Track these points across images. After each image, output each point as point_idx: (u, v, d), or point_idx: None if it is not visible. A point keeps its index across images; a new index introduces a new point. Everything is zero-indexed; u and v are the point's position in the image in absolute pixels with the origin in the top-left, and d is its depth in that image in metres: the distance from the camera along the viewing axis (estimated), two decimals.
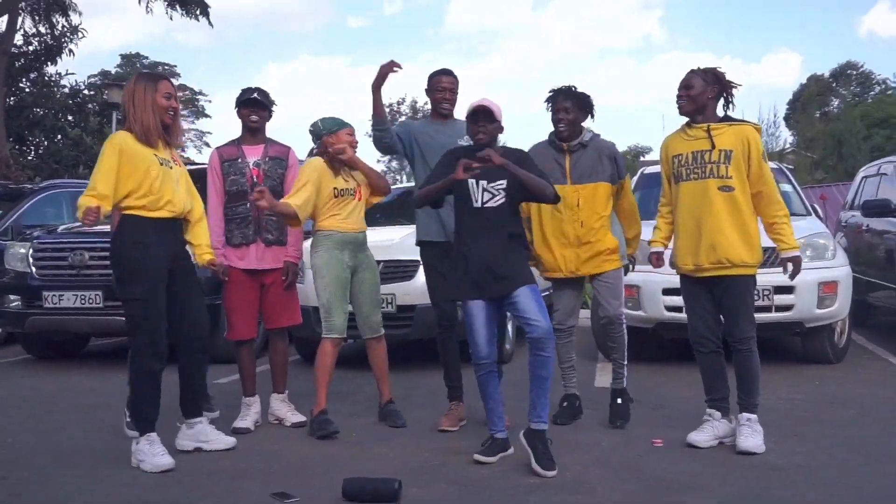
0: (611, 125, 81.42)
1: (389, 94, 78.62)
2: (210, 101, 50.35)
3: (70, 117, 18.91)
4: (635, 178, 8.51)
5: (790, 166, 33.38)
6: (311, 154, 4.91)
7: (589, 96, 4.77)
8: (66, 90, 19.25)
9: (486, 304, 4.14)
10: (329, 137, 4.75)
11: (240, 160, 4.88)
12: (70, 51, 18.05)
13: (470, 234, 4.14)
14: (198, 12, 16.53)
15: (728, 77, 4.28)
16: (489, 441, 4.19)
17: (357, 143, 4.85)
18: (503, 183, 4.12)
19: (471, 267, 4.11)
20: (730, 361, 4.34)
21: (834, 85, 54.54)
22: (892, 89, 55.19)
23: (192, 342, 4.25)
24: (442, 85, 4.95)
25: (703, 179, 4.20)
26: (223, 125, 74.94)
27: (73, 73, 20.12)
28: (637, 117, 76.85)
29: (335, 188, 4.72)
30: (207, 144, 51.38)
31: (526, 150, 4.54)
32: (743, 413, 4.25)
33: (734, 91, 4.28)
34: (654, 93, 77.69)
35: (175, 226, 4.23)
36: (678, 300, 6.04)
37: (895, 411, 5.02)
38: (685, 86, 4.25)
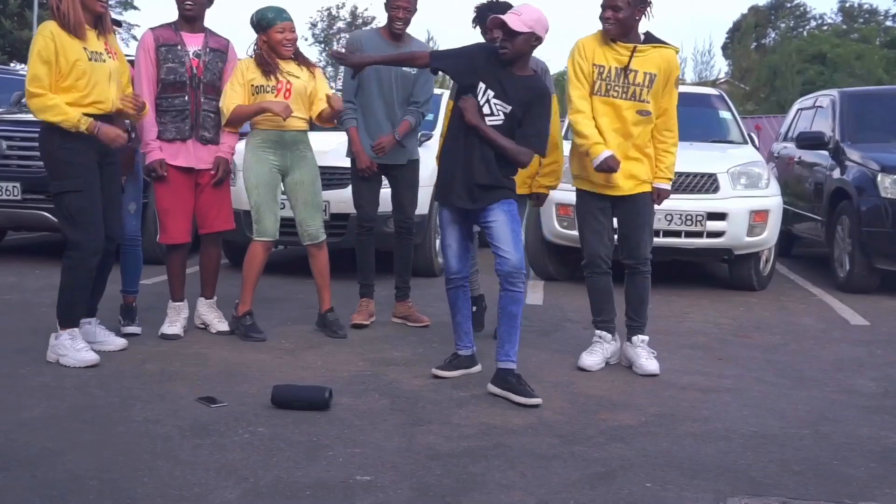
0: (552, 47, 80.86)
1: (328, 0, 76.25)
2: None
3: None
4: None
5: (722, 94, 33.72)
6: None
7: (511, 5, 4.34)
8: None
9: (460, 219, 3.99)
10: (262, 35, 4.56)
11: (179, 47, 4.49)
12: None
13: (463, 140, 3.87)
14: None
15: None
16: (452, 357, 4.14)
17: (292, 39, 4.60)
18: (509, 107, 3.83)
19: (455, 172, 3.91)
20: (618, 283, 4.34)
21: (772, 17, 54.98)
22: (827, 25, 55.98)
23: (106, 244, 4.08)
24: (397, 2, 4.83)
25: (624, 100, 4.08)
26: (153, 18, 71.87)
27: None
28: (566, 38, 75.94)
29: (252, 84, 4.51)
30: (135, 38, 49.20)
31: None
32: (638, 335, 4.29)
33: (650, 9, 4.12)
34: (588, 14, 76.82)
35: (104, 121, 3.99)
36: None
37: (817, 338, 5.18)
38: (612, 6, 4.03)
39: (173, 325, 4.69)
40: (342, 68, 4.92)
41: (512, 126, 3.88)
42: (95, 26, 4.02)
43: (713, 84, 32.43)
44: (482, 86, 3.87)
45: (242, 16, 4.86)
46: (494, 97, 3.85)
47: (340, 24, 51.23)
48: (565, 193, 6.49)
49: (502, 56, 3.82)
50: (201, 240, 4.84)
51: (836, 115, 7.69)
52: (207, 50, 4.55)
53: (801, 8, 56.50)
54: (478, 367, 4.15)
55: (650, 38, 4.16)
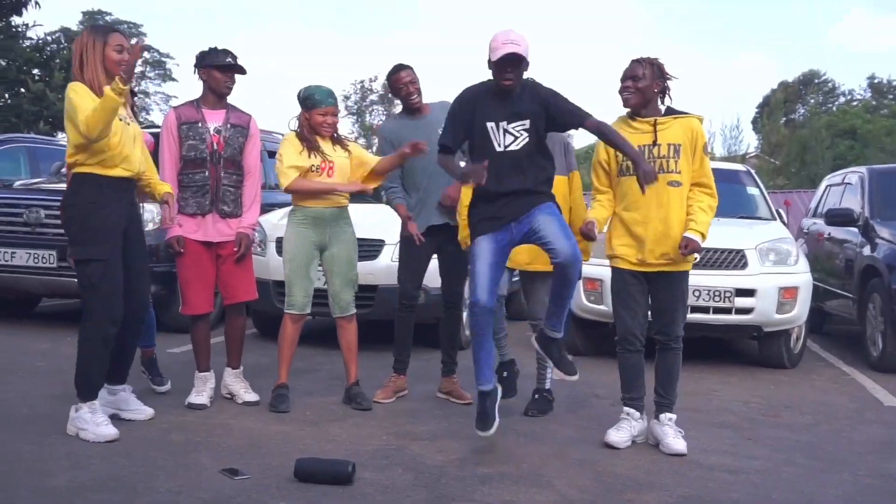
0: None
1: (362, 74, 77.63)
2: (178, 65, 49.39)
3: (35, 71, 18.41)
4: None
5: (752, 169, 33.54)
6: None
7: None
8: (32, 42, 18.74)
9: (494, 248, 3.95)
10: (304, 112, 4.70)
11: (200, 124, 4.60)
12: (37, 2, 17.54)
13: (493, 178, 3.88)
14: None
15: (667, 69, 4.19)
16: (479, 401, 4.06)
17: (332, 123, 4.74)
18: (526, 123, 3.91)
19: (490, 205, 3.96)
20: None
21: (803, 92, 55.28)
22: (856, 101, 56.14)
23: (135, 311, 4.12)
24: (402, 81, 4.95)
25: None
26: (190, 89, 73.83)
27: (40, 25, 19.61)
28: (601, 105, 76.98)
29: (297, 165, 4.65)
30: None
31: None
32: (666, 413, 4.25)
33: (670, 83, 4.19)
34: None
35: (129, 186, 4.08)
36: None
37: (850, 418, 5.07)
38: (632, 77, 4.11)
39: (200, 394, 4.71)
40: (376, 141, 5.04)
41: (540, 133, 3.96)
42: None
43: (742, 159, 32.55)
44: (490, 125, 3.94)
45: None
46: (508, 124, 3.93)
47: (373, 97, 52.30)
48: (593, 268, 6.54)
49: (508, 87, 3.89)
50: (225, 310, 4.91)
51: (864, 192, 7.68)
52: (228, 126, 4.65)
53: (830, 84, 56.78)
54: (499, 393, 4.11)
55: (671, 111, 4.22)
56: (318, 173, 4.66)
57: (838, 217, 7.73)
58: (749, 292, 6.24)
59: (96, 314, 3.95)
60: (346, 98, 52.66)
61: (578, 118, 3.95)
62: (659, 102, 4.21)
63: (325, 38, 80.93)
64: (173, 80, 50.34)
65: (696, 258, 4.26)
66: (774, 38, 78.98)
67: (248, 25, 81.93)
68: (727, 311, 6.26)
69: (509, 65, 3.86)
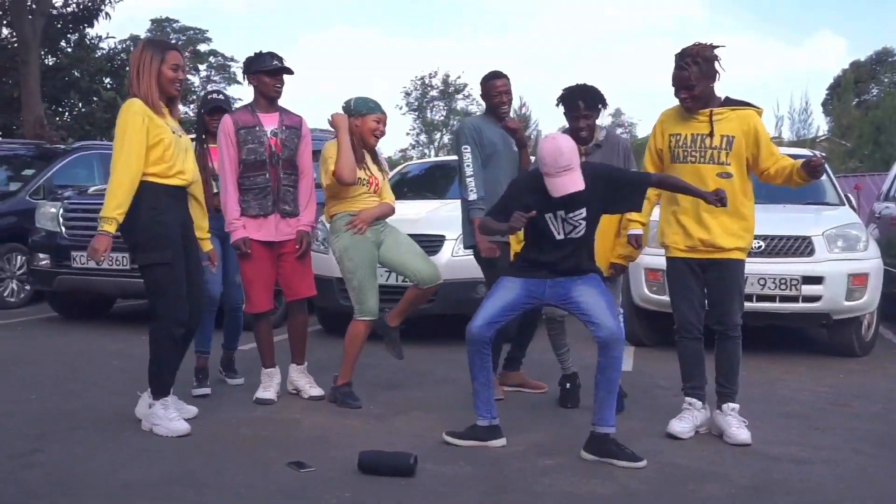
0: (644, 108, 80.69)
1: (422, 68, 77.84)
2: (241, 68, 50.36)
3: (107, 80, 19.00)
4: None
5: (823, 154, 32.84)
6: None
7: (600, 92, 4.62)
8: (104, 52, 19.32)
9: (520, 293, 3.97)
10: (355, 120, 4.71)
11: (257, 128, 4.69)
12: (107, 14, 18.09)
13: (550, 264, 3.96)
14: None
15: (712, 46, 4.11)
16: (470, 427, 4.07)
17: (383, 132, 4.79)
18: (583, 212, 3.91)
19: (538, 254, 4.02)
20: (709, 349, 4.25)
21: (875, 71, 53.53)
22: None
23: (189, 317, 4.18)
24: (497, 89, 5.00)
25: (701, 164, 4.10)
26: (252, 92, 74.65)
27: (112, 37, 20.19)
28: (670, 98, 75.79)
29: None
30: None
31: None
32: (728, 403, 4.19)
33: (720, 61, 4.10)
34: None
35: (184, 195, 4.22)
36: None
37: None
38: (685, 86, 4.06)
39: (267, 390, 4.83)
40: (466, 150, 4.92)
41: (597, 216, 4.00)
42: (167, 107, 4.18)
43: (812, 142, 31.69)
44: (549, 216, 3.92)
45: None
46: (566, 213, 3.92)
47: (433, 93, 52.42)
48: (654, 258, 6.49)
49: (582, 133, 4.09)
50: (287, 307, 5.01)
51: None
52: (283, 128, 4.73)
53: None
54: (499, 442, 4.02)
55: (729, 101, 4.17)
56: (368, 187, 4.74)
57: None
58: (817, 279, 6.11)
59: (164, 317, 4.08)
60: (408, 94, 52.89)
61: (641, 186, 4.00)
62: (715, 91, 4.16)
63: (387, 40, 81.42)
64: (237, 82, 51.15)
65: (751, 246, 4.21)
66: (846, 16, 76.70)
67: (311, 28, 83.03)
68: (794, 299, 6.14)
69: (584, 120, 4.23)
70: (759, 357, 6.12)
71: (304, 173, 4.84)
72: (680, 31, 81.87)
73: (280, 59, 4.77)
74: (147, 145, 3.98)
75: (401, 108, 53.39)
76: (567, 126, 4.68)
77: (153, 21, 48.99)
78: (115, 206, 3.95)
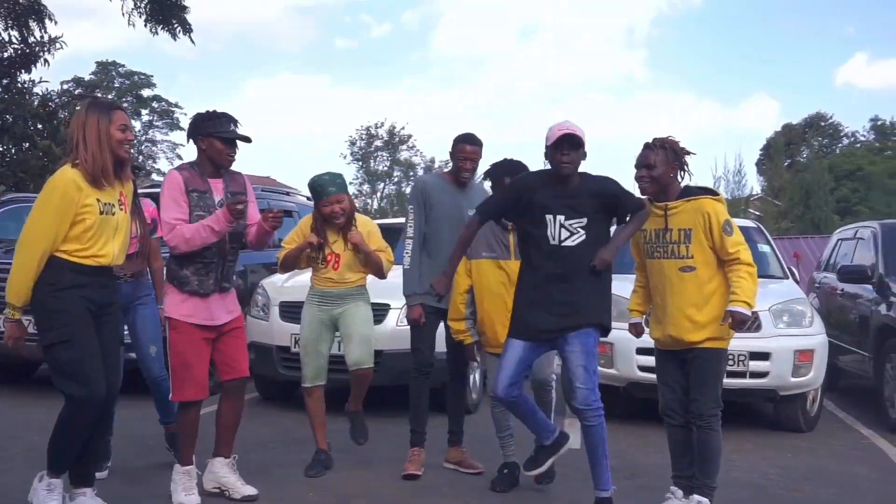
0: (589, 159, 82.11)
1: (367, 119, 78.23)
2: (185, 114, 49.84)
3: (40, 125, 18.47)
4: (612, 229, 8.42)
5: (759, 213, 33.49)
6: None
7: (524, 166, 4.62)
8: (38, 96, 18.84)
9: (529, 347, 4.04)
10: (321, 202, 4.66)
11: (208, 195, 4.17)
12: (45, 61, 17.65)
13: (544, 275, 3.96)
14: (179, 31, 16.20)
15: (682, 146, 4.12)
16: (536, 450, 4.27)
17: (343, 209, 4.65)
18: (583, 221, 3.93)
19: (535, 313, 3.98)
20: None
21: (806, 135, 55.48)
22: (860, 142, 56.36)
23: (106, 397, 3.77)
24: (465, 153, 4.92)
25: (664, 259, 4.09)
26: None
27: (46, 82, 19.64)
28: (612, 153, 77.61)
29: (308, 254, 4.73)
30: (180, 157, 51.01)
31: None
32: (695, 496, 4.07)
33: (688, 161, 4.13)
34: (633, 129, 78.47)
35: (102, 273, 3.76)
36: (651, 360, 5.92)
37: (872, 491, 4.91)
38: (646, 165, 4.05)
39: (190, 494, 4.18)
40: (411, 210, 4.98)
41: (598, 230, 3.98)
42: (116, 173, 3.76)
43: (747, 201, 32.49)
44: (549, 217, 3.93)
45: None
46: (566, 219, 3.92)
47: (378, 143, 52.57)
48: None
49: (565, 170, 3.93)
50: (223, 389, 4.41)
51: (878, 248, 7.56)
52: (228, 195, 4.21)
53: (834, 125, 56.99)
54: (575, 444, 4.26)
55: (687, 192, 4.12)
56: (325, 266, 4.74)
57: (852, 274, 7.62)
58: (764, 355, 6.09)
59: (72, 398, 3.66)
60: (353, 144, 52.96)
61: (632, 203, 4.06)
62: (677, 183, 4.12)
63: (333, 90, 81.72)
64: (181, 128, 50.75)
65: (731, 332, 4.07)
66: (780, 80, 79.67)
67: (256, 74, 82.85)
68: (742, 374, 6.11)
69: (567, 145, 3.90)
70: None
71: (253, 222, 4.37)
72: (621, 87, 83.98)
73: (236, 123, 4.26)
74: (67, 222, 3.62)
75: (345, 157, 53.41)
76: None
77: (98, 64, 48.42)
78: (14, 292, 3.62)
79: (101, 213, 3.69)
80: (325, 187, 4.62)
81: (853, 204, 44.50)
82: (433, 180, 5.17)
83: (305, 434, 5.48)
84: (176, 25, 15.88)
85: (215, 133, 4.17)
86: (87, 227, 3.64)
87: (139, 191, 4.60)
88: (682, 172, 4.10)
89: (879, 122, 56.64)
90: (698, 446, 4.11)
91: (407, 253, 4.91)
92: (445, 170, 5.38)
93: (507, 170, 4.58)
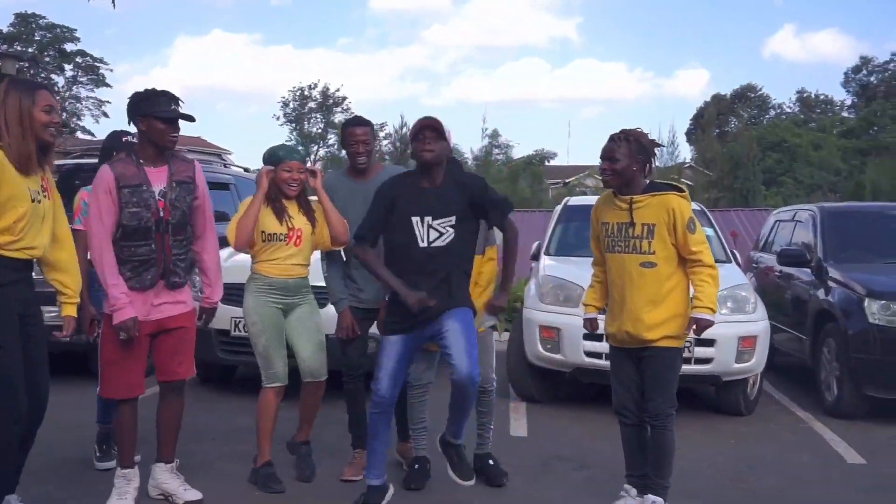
0: (519, 124, 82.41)
1: (301, 79, 76.73)
2: (111, 70, 48.25)
3: None
4: (558, 208, 8.37)
5: (689, 182, 33.88)
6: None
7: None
8: None
9: (405, 341, 3.95)
10: (271, 172, 4.38)
11: (144, 187, 3.87)
12: None
13: (415, 276, 3.85)
14: None
15: (650, 138, 4.05)
16: (363, 496, 4.05)
17: (299, 178, 4.40)
18: (452, 219, 3.87)
19: (408, 311, 3.85)
20: None
21: (735, 106, 56.53)
22: (786, 114, 57.71)
23: (33, 407, 3.51)
24: (355, 137, 4.53)
25: (626, 254, 4.03)
26: (123, 95, 72.07)
27: None
28: (546, 119, 77.99)
29: (263, 231, 4.36)
30: (106, 115, 49.33)
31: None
32: (649, 495, 4.06)
33: (656, 154, 4.09)
34: (565, 95, 78.92)
35: (28, 268, 3.57)
36: (598, 345, 5.93)
37: (818, 481, 4.99)
38: (609, 157, 3.98)
39: (123, 497, 4.00)
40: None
41: (467, 226, 3.92)
42: (38, 158, 3.52)
43: (678, 170, 33.00)
44: (415, 220, 3.85)
45: None
46: (433, 220, 3.85)
47: (312, 105, 51.72)
48: (549, 315, 6.42)
49: (426, 160, 3.84)
50: (161, 390, 4.18)
51: (817, 232, 7.65)
52: (174, 185, 3.95)
53: (763, 98, 58.20)
54: (390, 491, 4.10)
55: (652, 187, 4.05)
56: (286, 242, 4.39)
57: (791, 257, 7.72)
58: (708, 342, 6.11)
59: None
60: (285, 105, 52.03)
61: (501, 218, 4.01)
62: (642, 177, 4.04)
63: (266, 45, 79.86)
64: (107, 85, 49.05)
65: (687, 334, 4.08)
66: (711, 50, 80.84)
67: (187, 31, 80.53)
68: (687, 360, 6.09)
69: (428, 132, 3.81)
70: None
71: (205, 236, 4.14)
72: (555, 51, 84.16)
73: (177, 102, 3.98)
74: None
75: (278, 119, 52.45)
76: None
77: (17, 16, 46.21)
78: None
79: (32, 200, 3.46)
80: (289, 152, 4.43)
81: (778, 175, 45.67)
82: (331, 180, 4.72)
83: (245, 423, 5.34)
84: None
85: (155, 113, 3.88)
86: (19, 215, 3.41)
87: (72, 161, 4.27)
88: (648, 166, 4.02)
89: (805, 95, 58.05)
90: (653, 446, 4.10)
91: (322, 259, 4.72)
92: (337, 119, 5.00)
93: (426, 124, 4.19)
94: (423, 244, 3.87)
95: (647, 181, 4.08)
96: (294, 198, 4.44)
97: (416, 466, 4.63)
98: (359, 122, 4.61)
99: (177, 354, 4.09)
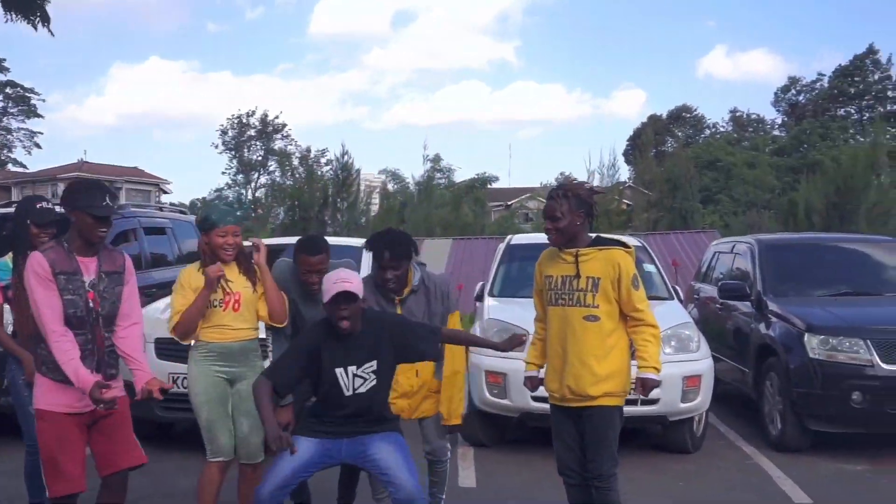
0: (461, 147, 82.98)
1: (240, 106, 75.75)
2: (44, 100, 47.21)
3: None
4: (501, 246, 8.32)
5: (629, 202, 34.17)
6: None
7: (410, 241, 4.32)
8: None
9: (314, 453, 3.81)
10: (205, 237, 4.25)
11: (77, 276, 3.73)
12: None
13: (339, 421, 3.84)
14: (38, 21, 14.99)
15: (589, 189, 4.08)
16: None
17: (236, 242, 4.25)
18: (373, 364, 3.84)
19: (329, 421, 3.86)
20: None
21: (671, 126, 57.66)
22: (720, 133, 59.09)
23: None
24: (308, 265, 4.30)
25: (569, 307, 4.01)
26: (56, 126, 70.67)
27: None
28: (486, 141, 78.55)
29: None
30: (38, 146, 48.17)
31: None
32: None
33: (596, 202, 4.10)
34: (505, 118, 79.74)
35: None
36: (543, 391, 5.89)
37: None
38: (551, 217, 3.98)
39: None
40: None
41: (389, 368, 3.89)
42: None
43: (619, 190, 33.47)
44: (339, 371, 3.81)
45: None
46: (357, 368, 3.81)
47: (251, 132, 51.26)
48: (495, 360, 6.34)
49: (345, 328, 3.77)
50: (103, 484, 3.92)
51: (755, 266, 7.75)
52: (102, 276, 3.81)
53: (697, 118, 59.49)
54: None
55: (598, 241, 4.05)
56: (222, 308, 4.23)
57: (731, 292, 7.80)
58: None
59: None
60: (224, 133, 51.51)
61: (432, 341, 3.98)
62: (585, 231, 4.06)
63: (204, 72, 79.01)
64: (39, 115, 48.00)
65: (627, 389, 4.09)
66: (647, 71, 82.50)
67: (122, 58, 79.32)
68: (633, 402, 6.06)
69: (343, 302, 3.75)
70: None
71: (130, 317, 3.90)
72: (494, 74, 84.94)
73: (112, 196, 3.85)
74: None
75: (217, 147, 51.87)
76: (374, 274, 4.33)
77: None
78: None
79: None
80: (222, 216, 4.24)
81: (714, 193, 46.63)
82: (285, 270, 4.51)
83: (185, 485, 5.16)
84: (36, 16, 14.69)
85: (87, 209, 3.75)
86: None
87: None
88: (590, 218, 4.02)
89: (738, 114, 59.52)
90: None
91: (270, 348, 4.62)
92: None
93: (387, 244, 4.22)
94: (349, 392, 3.83)
95: (594, 235, 4.09)
96: (233, 261, 4.30)
97: None
98: (314, 248, 4.33)
99: (115, 444, 3.87)
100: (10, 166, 43.05)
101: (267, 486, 3.71)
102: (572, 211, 3.95)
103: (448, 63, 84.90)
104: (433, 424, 4.45)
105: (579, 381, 3.96)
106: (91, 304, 3.75)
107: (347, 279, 3.77)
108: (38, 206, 4.46)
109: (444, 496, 4.65)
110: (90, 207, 3.73)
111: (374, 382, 3.83)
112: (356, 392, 3.81)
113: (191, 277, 4.27)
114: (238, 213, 4.34)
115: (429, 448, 4.51)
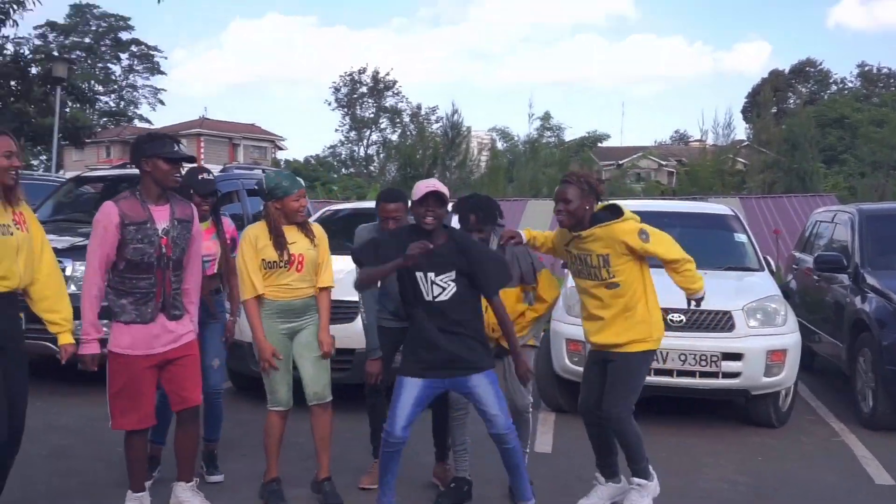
0: (572, 103, 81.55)
1: (352, 63, 76.66)
2: (166, 58, 49.05)
3: (13, 83, 18.04)
4: None
5: (745, 162, 33.22)
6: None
7: (495, 205, 4.74)
8: (10, 54, 18.37)
9: (423, 385, 4.12)
10: (275, 203, 4.50)
11: (148, 225, 4.05)
12: (14, 21, 17.09)
13: (429, 325, 4.11)
14: None
15: (595, 178, 4.47)
16: None
17: (306, 204, 4.59)
18: (452, 274, 4.09)
19: (425, 347, 4.11)
20: None
21: (793, 81, 55.02)
22: (847, 89, 55.99)
23: (6, 443, 3.70)
24: (385, 212, 4.70)
25: (590, 280, 4.42)
26: (179, 82, 73.33)
27: (20, 39, 19.16)
28: (599, 99, 77.03)
29: (264, 259, 4.49)
30: (162, 102, 50.17)
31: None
32: (634, 477, 4.43)
33: (603, 191, 4.45)
34: (620, 74, 77.81)
35: (6, 300, 3.76)
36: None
37: (841, 501, 4.93)
38: (563, 199, 4.33)
39: None
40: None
41: (466, 283, 4.10)
42: (5, 197, 3.80)
43: (735, 149, 32.41)
44: (419, 275, 4.08)
45: None
46: (435, 276, 4.07)
47: (363, 90, 51.92)
48: (576, 328, 6.37)
49: (429, 225, 4.04)
50: (177, 418, 4.35)
51: (855, 237, 7.49)
52: (175, 223, 4.14)
53: (823, 72, 56.53)
54: None
55: (595, 219, 4.34)
56: (288, 269, 4.50)
57: (827, 263, 7.56)
58: (736, 356, 6.08)
59: None
60: (337, 90, 52.33)
61: (489, 290, 4.17)
62: (591, 213, 4.37)
63: (320, 27, 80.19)
64: (162, 72, 49.89)
65: (653, 336, 4.42)
66: (773, 21, 78.83)
67: (241, 14, 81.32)
68: (714, 374, 6.10)
69: (432, 202, 4.02)
70: (680, 430, 6.10)
71: (190, 266, 4.29)
72: (612, 28, 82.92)
73: (179, 143, 4.26)
74: None
75: (329, 104, 52.76)
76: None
77: (72, 6, 47.28)
78: None
79: (2, 234, 3.71)
80: (293, 182, 4.55)
81: (839, 153, 44.48)
82: (365, 234, 4.91)
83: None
84: None
85: (160, 154, 4.10)
86: None
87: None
88: (597, 203, 4.39)
89: (866, 68, 56.29)
90: (617, 440, 4.45)
91: (362, 310, 4.99)
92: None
93: (473, 207, 4.59)
94: (429, 297, 4.10)
95: (598, 206, 4.41)
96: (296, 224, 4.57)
97: (454, 486, 4.71)
98: (393, 196, 4.74)
99: (184, 382, 4.25)
100: (137, 122, 45.08)
101: (396, 425, 4.08)
102: (581, 196, 4.31)
103: (564, 17, 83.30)
104: (516, 382, 4.64)
105: (602, 336, 4.40)
106: (164, 250, 4.09)
107: (438, 185, 4.10)
108: (199, 177, 4.86)
109: (528, 450, 4.83)
110: (163, 153, 4.09)
111: (453, 290, 4.07)
112: (436, 299, 4.08)
113: (257, 242, 4.49)
114: (299, 180, 4.65)
115: (511, 406, 4.62)
